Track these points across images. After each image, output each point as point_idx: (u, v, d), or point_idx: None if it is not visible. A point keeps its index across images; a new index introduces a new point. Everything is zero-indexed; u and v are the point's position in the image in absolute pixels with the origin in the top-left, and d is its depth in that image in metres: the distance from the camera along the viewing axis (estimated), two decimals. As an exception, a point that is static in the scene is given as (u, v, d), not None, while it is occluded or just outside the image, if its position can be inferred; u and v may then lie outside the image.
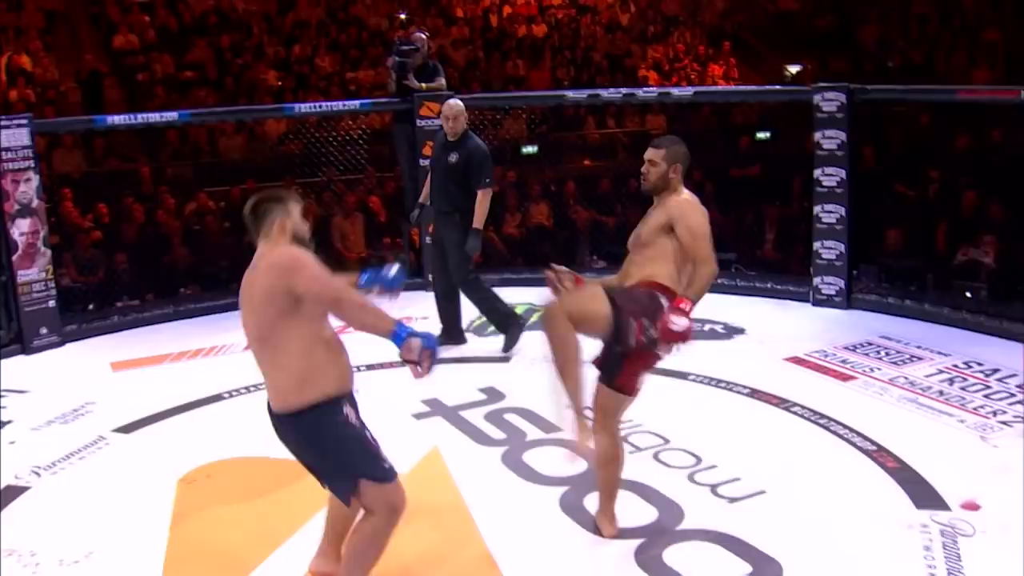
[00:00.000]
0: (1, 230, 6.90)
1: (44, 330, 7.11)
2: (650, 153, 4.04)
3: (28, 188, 6.96)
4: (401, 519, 3.46)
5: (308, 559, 3.94)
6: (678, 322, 3.73)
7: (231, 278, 8.40)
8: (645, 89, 9.14)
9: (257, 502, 4.58)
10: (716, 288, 7.65)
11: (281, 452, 4.93)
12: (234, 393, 5.96)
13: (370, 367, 6.24)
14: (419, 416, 5.52)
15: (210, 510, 4.51)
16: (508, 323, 6.74)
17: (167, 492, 4.67)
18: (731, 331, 6.89)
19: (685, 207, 3.99)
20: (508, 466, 4.85)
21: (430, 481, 4.69)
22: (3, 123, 6.87)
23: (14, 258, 6.92)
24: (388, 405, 5.57)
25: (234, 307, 7.79)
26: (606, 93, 8.75)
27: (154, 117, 8.17)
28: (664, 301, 3.85)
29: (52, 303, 7.16)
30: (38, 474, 4.95)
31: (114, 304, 8.02)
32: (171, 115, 8.15)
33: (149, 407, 5.78)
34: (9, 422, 5.68)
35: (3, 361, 6.82)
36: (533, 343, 6.72)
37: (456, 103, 6.68)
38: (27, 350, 7.00)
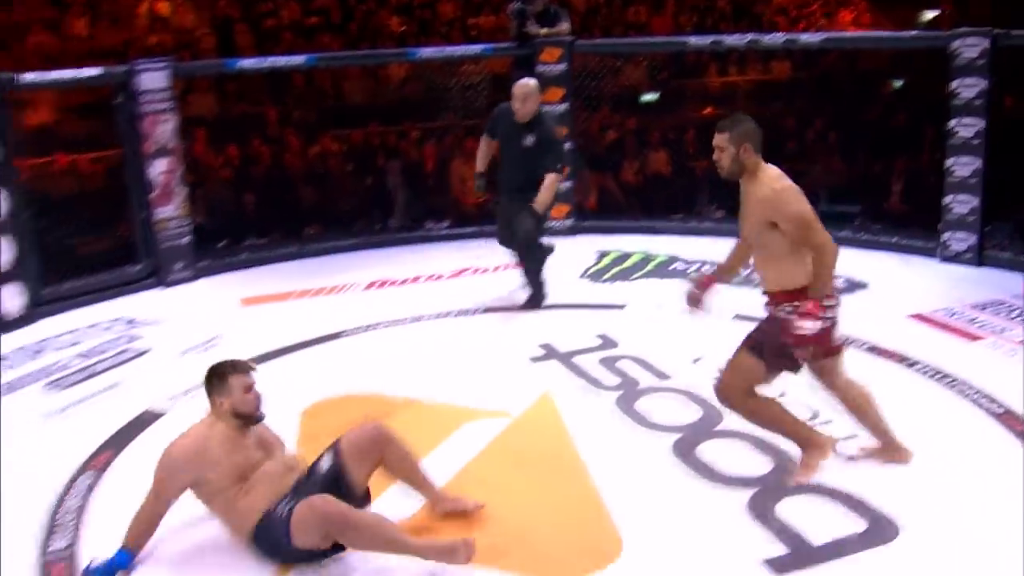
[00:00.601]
0: (140, 169, 7.17)
1: (179, 265, 7.40)
2: (716, 139, 3.93)
3: (165, 129, 7.20)
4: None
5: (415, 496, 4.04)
6: (805, 326, 3.79)
7: (353, 218, 8.57)
8: (770, 35, 8.80)
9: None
10: (837, 241, 7.50)
11: (396, 390, 5.10)
12: (354, 331, 6.11)
13: (489, 310, 6.32)
14: (535, 359, 5.56)
15: (330, 443, 4.63)
16: (538, 295, 6.50)
17: (291, 423, 4.82)
18: (852, 285, 6.70)
19: (778, 198, 3.83)
20: (621, 412, 4.86)
21: (541, 424, 4.73)
22: (143, 67, 7.10)
23: (152, 196, 7.20)
24: (505, 348, 5.64)
25: (355, 247, 8.02)
26: (730, 39, 8.52)
27: (281, 61, 8.34)
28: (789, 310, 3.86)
29: (187, 239, 7.44)
30: (174, 401, 5.17)
31: (243, 242, 8.26)
32: (298, 59, 8.31)
33: (275, 341, 5.97)
34: (147, 351, 5.96)
35: (141, 293, 7.13)
36: (644, 294, 6.71)
37: (527, 83, 6.33)
38: (164, 283, 7.31)
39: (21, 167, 6.76)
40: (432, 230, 8.55)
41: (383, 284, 7.18)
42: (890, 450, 4.20)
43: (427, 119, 9.39)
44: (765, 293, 4.04)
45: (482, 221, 8.29)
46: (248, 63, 8.18)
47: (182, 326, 6.36)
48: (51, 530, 3.91)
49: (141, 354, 5.93)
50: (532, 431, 4.67)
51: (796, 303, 3.84)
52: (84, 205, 7.63)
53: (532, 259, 6.44)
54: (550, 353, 5.63)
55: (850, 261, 7.04)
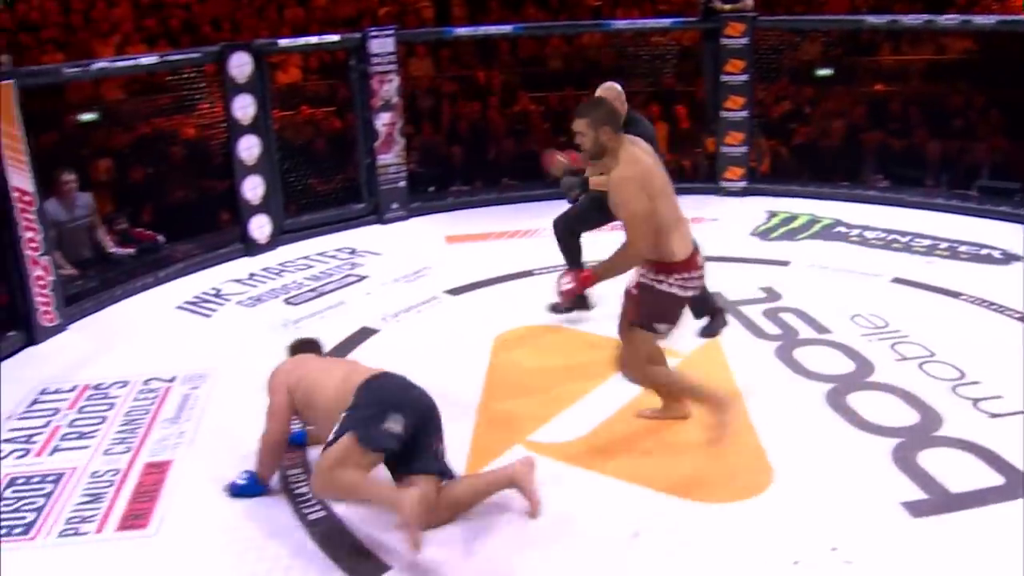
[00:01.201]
0: (368, 121, 7.48)
1: (395, 205, 7.70)
2: (576, 124, 3.70)
3: (390, 87, 7.46)
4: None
5: (596, 414, 4.16)
6: (564, 284, 3.95)
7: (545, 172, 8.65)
8: (947, 16, 8.26)
9: (559, 363, 4.82)
10: (996, 215, 7.07)
11: (577, 325, 5.18)
12: (543, 270, 6.23)
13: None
14: (704, 308, 5.51)
15: (519, 366, 4.80)
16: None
17: (485, 346, 5.02)
18: (1009, 257, 6.31)
19: (616, 187, 3.63)
20: (780, 359, 4.80)
21: (707, 366, 4.72)
22: (374, 33, 7.36)
23: (376, 144, 7.50)
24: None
25: (548, 197, 8.08)
26: (907, 19, 8.06)
27: (492, 30, 8.49)
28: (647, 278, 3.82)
29: (403, 183, 7.72)
30: (386, 321, 5.46)
31: (449, 188, 8.51)
32: (505, 28, 8.41)
33: (474, 275, 6.16)
34: (366, 277, 6.28)
35: (363, 228, 7.49)
36: (811, 251, 6.54)
37: (610, 87, 5.09)
38: (382, 220, 7.64)
39: (274, 118, 7.17)
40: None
41: (570, 231, 7.24)
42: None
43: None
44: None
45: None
46: (462, 31, 8.35)
47: (395, 258, 6.64)
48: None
49: (361, 279, 6.25)
50: (699, 370, 4.67)
51: (652, 271, 3.79)
52: (320, 151, 8.03)
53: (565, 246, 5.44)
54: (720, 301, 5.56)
55: (1008, 234, 6.70)
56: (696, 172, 8.65)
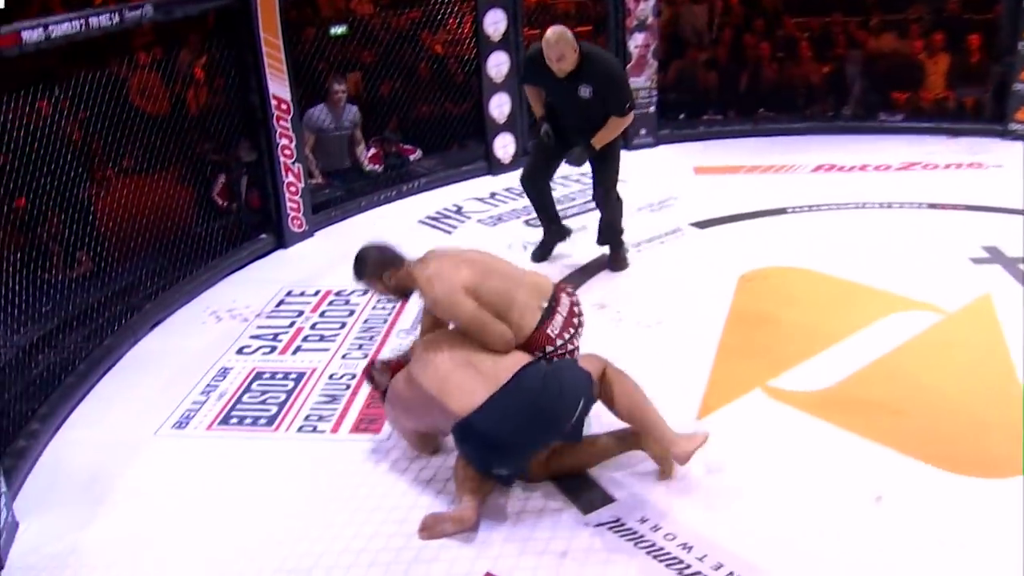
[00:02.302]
0: (621, 41, 7.39)
1: (643, 131, 7.61)
2: (366, 288, 3.57)
3: (645, 7, 7.33)
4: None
5: (846, 365, 3.95)
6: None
7: (808, 103, 8.25)
8: None
9: (808, 307, 4.63)
10: None
11: (830, 269, 4.93)
12: (798, 209, 5.98)
13: (933, 206, 5.90)
14: (976, 261, 5.10)
15: (763, 307, 4.65)
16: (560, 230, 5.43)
17: (729, 283, 4.90)
18: None
19: (441, 305, 3.37)
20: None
21: (976, 325, 4.37)
22: (632, -54, 7.24)
23: (629, 67, 7.40)
24: (946, 245, 5.25)
25: (806, 131, 7.72)
26: None
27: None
28: None
29: (653, 109, 7.61)
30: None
31: (701, 116, 8.29)
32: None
33: (721, 209, 6.01)
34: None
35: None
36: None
37: (554, 33, 4.57)
38: (629, 146, 7.38)
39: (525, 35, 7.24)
40: (886, 122, 8.00)
41: (830, 168, 6.90)
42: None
43: (891, 11, 8.66)
44: None
45: (940, 117, 7.67)
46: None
47: (640, 185, 6.58)
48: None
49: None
50: (965, 330, 4.34)
51: None
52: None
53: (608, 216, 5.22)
54: (995, 257, 5.12)
55: None
56: (980, 111, 7.93)
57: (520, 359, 3.23)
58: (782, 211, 5.97)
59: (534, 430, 3.11)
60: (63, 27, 4.06)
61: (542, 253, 5.40)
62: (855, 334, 4.26)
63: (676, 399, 3.70)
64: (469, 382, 3.14)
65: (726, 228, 5.75)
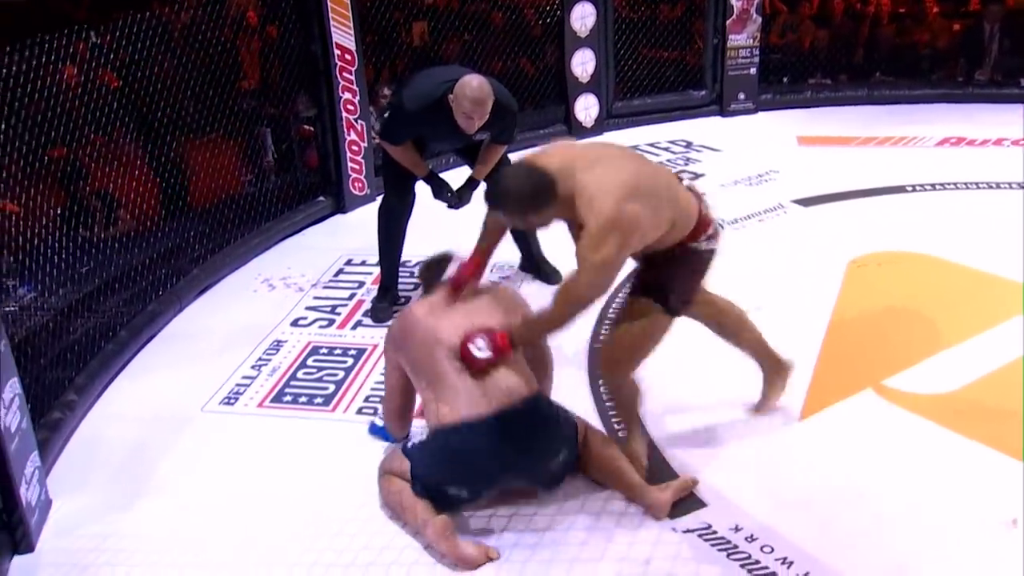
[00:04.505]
0: (721, -7, 7.28)
1: (742, 95, 7.49)
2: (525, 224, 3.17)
3: (751, -47, 7.19)
4: None
5: (974, 367, 3.83)
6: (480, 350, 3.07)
7: (934, 66, 8.00)
8: None
9: (929, 299, 4.48)
10: None
11: (956, 256, 4.76)
12: (918, 188, 5.81)
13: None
14: None
15: (876, 297, 4.52)
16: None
17: (837, 268, 4.77)
18: None
19: (616, 227, 2.94)
20: None
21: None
22: None
23: (729, 22, 7.26)
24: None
25: (932, 99, 7.49)
26: None
27: None
28: None
29: (753, 71, 7.47)
30: (723, 227, 5.28)
31: (808, 80, 8.10)
32: None
33: (829, 185, 5.87)
34: (702, 175, 6.16)
35: (702, 119, 7.35)
36: None
37: (484, 90, 3.99)
38: (724, 112, 7.47)
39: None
40: (1027, 88, 7.71)
41: (958, 142, 6.68)
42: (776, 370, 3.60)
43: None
44: None
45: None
46: None
47: (738, 156, 6.47)
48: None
49: (696, 177, 6.14)
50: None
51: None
52: (659, 28, 7.88)
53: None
54: None
55: None
56: None
57: (534, 385, 3.16)
58: (900, 189, 5.81)
59: (520, 462, 3.05)
60: (113, -37, 4.09)
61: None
62: (984, 332, 4.11)
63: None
64: (486, 386, 3.03)
65: (834, 207, 5.61)
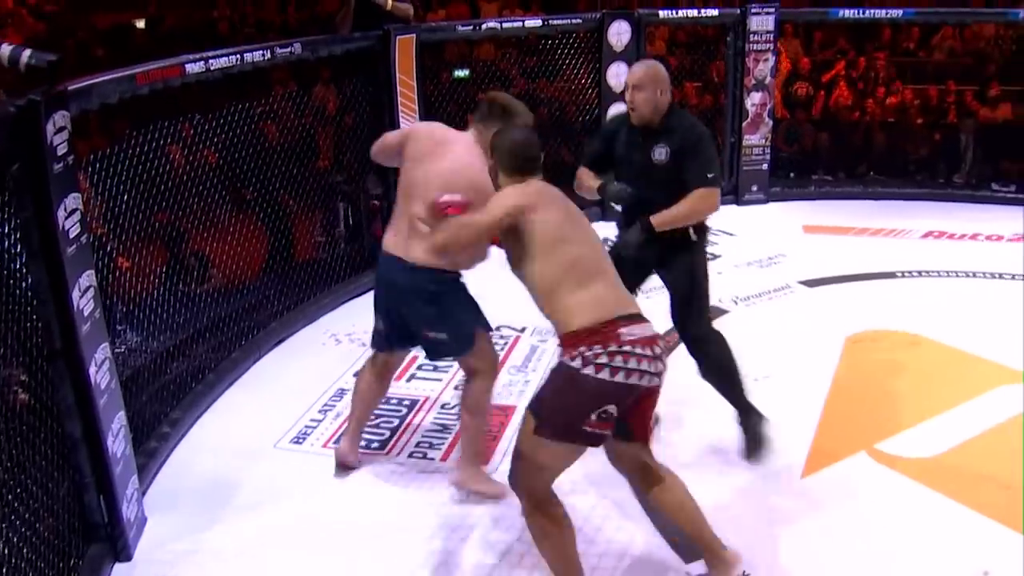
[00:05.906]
0: (739, 99, 7.35)
1: (755, 187, 7.53)
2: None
3: (765, 67, 7.27)
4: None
5: (957, 432, 3.81)
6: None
7: (919, 169, 8.04)
8: None
9: (917, 372, 4.47)
10: None
11: (940, 336, 4.75)
12: (906, 274, 5.81)
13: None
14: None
15: (871, 370, 4.51)
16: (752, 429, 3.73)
17: (836, 343, 4.77)
18: None
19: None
20: None
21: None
22: (755, 10, 7.18)
23: (744, 124, 7.35)
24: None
25: (917, 197, 7.46)
26: None
27: (880, 13, 7.98)
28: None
29: (765, 166, 7.53)
30: (736, 303, 5.35)
31: (812, 176, 8.16)
32: (896, 12, 7.85)
33: (831, 269, 5.87)
34: (719, 256, 6.18)
35: (721, 207, 7.34)
36: None
37: (641, 65, 3.63)
38: (739, 201, 7.51)
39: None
40: (998, 192, 7.73)
41: (940, 235, 6.69)
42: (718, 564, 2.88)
43: (1012, 79, 8.37)
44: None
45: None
46: (849, 12, 7.87)
47: (750, 241, 6.49)
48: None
49: (714, 258, 6.14)
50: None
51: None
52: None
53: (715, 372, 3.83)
54: None
55: None
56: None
57: None
58: (891, 275, 5.81)
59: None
60: (221, 61, 4.24)
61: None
62: (964, 403, 4.10)
63: (780, 456, 3.63)
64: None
65: (835, 288, 5.61)
